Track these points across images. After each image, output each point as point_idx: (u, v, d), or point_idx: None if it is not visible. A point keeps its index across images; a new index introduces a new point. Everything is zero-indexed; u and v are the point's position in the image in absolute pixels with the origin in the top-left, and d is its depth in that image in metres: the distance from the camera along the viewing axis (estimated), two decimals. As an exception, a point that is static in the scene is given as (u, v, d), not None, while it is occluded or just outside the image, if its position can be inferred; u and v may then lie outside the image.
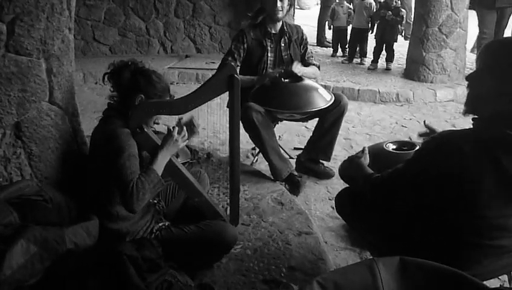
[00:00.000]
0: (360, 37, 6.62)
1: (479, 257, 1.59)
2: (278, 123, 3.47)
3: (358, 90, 5.49)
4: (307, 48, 3.42)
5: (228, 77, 2.05)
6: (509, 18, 6.00)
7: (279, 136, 4.21)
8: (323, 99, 3.07)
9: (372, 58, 6.44)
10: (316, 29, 8.07)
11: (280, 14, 3.19)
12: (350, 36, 6.78)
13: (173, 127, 2.03)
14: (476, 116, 1.57)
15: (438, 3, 5.49)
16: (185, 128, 2.05)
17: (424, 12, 5.62)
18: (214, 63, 6.14)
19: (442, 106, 5.18)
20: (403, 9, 6.21)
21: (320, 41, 7.97)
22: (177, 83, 6.03)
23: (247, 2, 6.48)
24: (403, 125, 4.58)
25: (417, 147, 2.18)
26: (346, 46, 6.99)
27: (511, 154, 1.45)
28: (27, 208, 1.68)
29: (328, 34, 7.82)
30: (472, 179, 1.47)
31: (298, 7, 14.90)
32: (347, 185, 2.11)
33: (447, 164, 1.50)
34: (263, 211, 2.68)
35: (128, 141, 1.89)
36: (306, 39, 3.43)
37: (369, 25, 6.59)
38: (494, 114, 1.50)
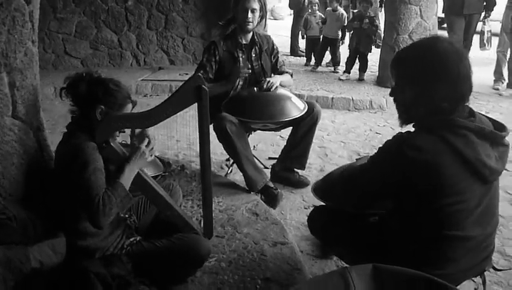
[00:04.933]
0: (330, 45, 6.70)
1: (452, 252, 1.60)
2: (251, 133, 3.45)
3: (332, 98, 5.52)
4: (278, 57, 3.42)
5: (195, 88, 2.02)
6: (476, 24, 6.14)
7: (254, 146, 4.20)
8: (296, 108, 3.07)
9: (344, 68, 6.50)
10: (290, 38, 8.12)
11: (250, 26, 3.18)
12: (320, 44, 6.85)
13: (141, 140, 1.99)
14: (413, 123, 1.66)
15: (407, 11, 5.60)
16: (152, 140, 2.01)
17: (394, 20, 5.72)
18: (187, 74, 6.11)
19: (415, 112, 5.25)
20: (377, 19, 6.30)
21: (294, 50, 8.02)
22: (150, 95, 5.97)
23: (219, 14, 6.47)
24: (377, 132, 4.62)
25: None
26: (320, 55, 7.08)
27: (457, 135, 1.52)
28: (-11, 228, 1.62)
29: (302, 44, 7.87)
30: (433, 170, 1.50)
31: (272, 17, 15.02)
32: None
33: (405, 163, 1.53)
34: (238, 222, 2.64)
35: (93, 155, 1.84)
36: (277, 49, 3.43)
37: (340, 34, 6.67)
38: (427, 114, 1.58)
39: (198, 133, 2.17)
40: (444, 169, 1.50)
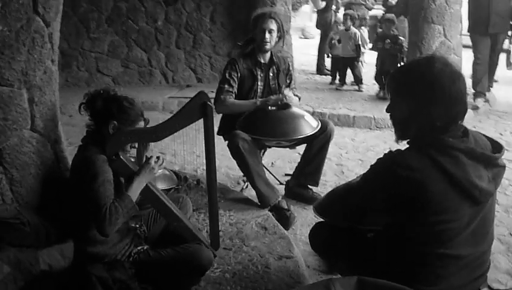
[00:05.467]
0: (349, 64, 6.76)
1: (443, 269, 1.62)
2: (266, 150, 3.53)
3: (354, 116, 5.55)
4: (291, 79, 3.52)
5: (201, 105, 2.13)
6: (502, 43, 6.07)
7: (272, 163, 4.28)
8: (309, 126, 3.14)
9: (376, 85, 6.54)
10: (316, 57, 8.21)
11: (268, 46, 3.29)
12: (340, 64, 6.92)
13: (151, 156, 2.11)
14: (408, 139, 1.69)
15: (430, 31, 5.61)
16: (161, 157, 2.12)
17: (417, 39, 5.73)
18: (213, 92, 6.25)
19: (438, 131, 5.21)
20: (401, 37, 6.31)
21: (320, 69, 8.09)
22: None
23: (245, 33, 6.63)
24: (396, 151, 4.60)
25: None
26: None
27: (445, 155, 1.55)
28: (3, 231, 1.75)
29: (328, 63, 7.94)
30: (422, 187, 1.53)
31: (303, 36, 15.18)
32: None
33: (396, 182, 1.56)
34: (246, 235, 2.71)
35: (103, 167, 1.97)
36: (291, 70, 3.53)
37: (357, 53, 6.74)
38: (420, 132, 1.62)
39: (204, 149, 2.26)
40: (431, 187, 1.52)
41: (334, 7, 7.63)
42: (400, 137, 1.73)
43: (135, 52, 7.12)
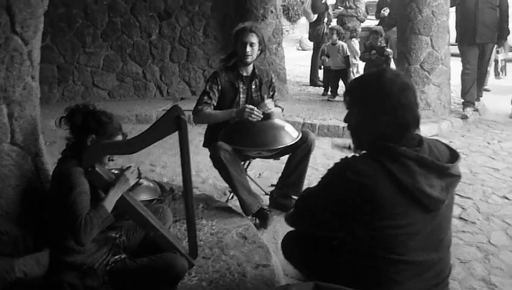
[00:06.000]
0: (341, 76, 6.86)
1: (396, 275, 1.67)
2: (250, 161, 3.60)
3: (343, 127, 5.61)
4: (274, 91, 3.59)
5: (175, 118, 2.20)
6: (491, 53, 6.14)
7: (259, 174, 4.35)
8: (289, 136, 3.21)
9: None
10: (310, 69, 8.30)
11: (249, 59, 3.37)
12: (332, 75, 7.02)
13: (127, 167, 2.19)
14: (364, 148, 1.76)
15: (418, 42, 5.69)
16: (137, 168, 2.19)
17: (405, 50, 5.81)
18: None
19: (426, 140, 5.27)
20: (388, 49, 6.40)
21: (313, 81, 8.18)
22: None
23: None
24: (383, 161, 4.66)
25: None
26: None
27: (396, 163, 1.60)
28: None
29: (321, 74, 8.03)
30: (370, 192, 1.59)
31: (300, 48, 15.32)
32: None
33: (346, 186, 1.63)
34: (226, 244, 2.77)
35: (79, 179, 2.04)
36: (274, 82, 3.60)
37: (346, 64, 6.83)
38: (373, 140, 1.69)
39: (180, 161, 2.33)
40: (380, 192, 1.59)
41: (326, 19, 7.74)
42: (356, 146, 1.80)
43: (130, 66, 7.24)
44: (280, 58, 6.97)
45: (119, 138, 2.24)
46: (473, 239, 3.10)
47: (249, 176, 3.74)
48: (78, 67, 7.07)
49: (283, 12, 18.24)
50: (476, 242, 3.06)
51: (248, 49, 3.32)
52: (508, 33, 5.93)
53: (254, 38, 3.33)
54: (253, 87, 3.48)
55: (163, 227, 2.41)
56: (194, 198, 3.45)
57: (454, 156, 1.76)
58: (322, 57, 7.01)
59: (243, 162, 3.58)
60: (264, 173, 4.38)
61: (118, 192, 2.12)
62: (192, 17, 7.20)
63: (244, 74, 3.45)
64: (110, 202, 2.08)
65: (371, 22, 9.24)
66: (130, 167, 2.19)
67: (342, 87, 7.07)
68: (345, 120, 1.82)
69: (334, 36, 6.72)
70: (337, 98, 7.05)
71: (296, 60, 11.61)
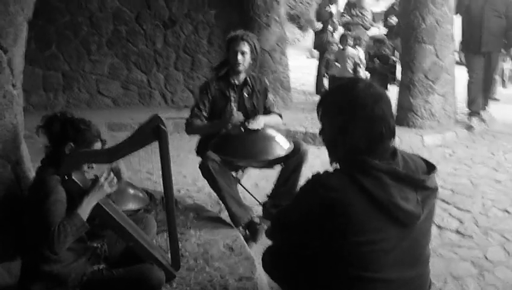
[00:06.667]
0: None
1: None
2: (242, 171, 3.55)
3: (345, 137, 5.53)
4: (268, 98, 3.54)
5: (154, 128, 2.17)
6: (497, 62, 6.03)
7: (257, 184, 4.29)
8: (280, 147, 3.15)
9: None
10: (315, 78, 8.25)
11: (241, 67, 3.33)
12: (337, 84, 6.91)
13: (101, 175, 2.16)
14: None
15: (422, 51, 5.61)
16: (112, 174, 2.16)
17: (409, 59, 5.73)
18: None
19: (429, 151, 5.18)
20: (393, 57, 6.31)
21: (318, 89, 8.12)
22: (171, 133, 6.21)
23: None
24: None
25: None
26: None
27: (368, 176, 1.54)
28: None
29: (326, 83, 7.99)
30: (342, 207, 1.53)
31: (310, 56, 15.25)
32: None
33: (317, 201, 1.57)
34: (211, 256, 2.72)
35: (56, 187, 2.02)
36: (267, 89, 3.55)
37: (354, 73, 6.72)
38: (346, 153, 1.63)
39: (161, 171, 2.29)
40: (352, 207, 1.52)
41: (331, 28, 7.69)
42: (332, 159, 1.74)
43: (135, 74, 7.27)
44: (284, 66, 6.93)
45: (98, 144, 2.22)
46: (468, 254, 3.00)
47: (243, 186, 3.70)
48: (83, 75, 7.12)
49: (294, 21, 18.29)
50: (471, 257, 2.96)
51: (239, 57, 3.29)
52: (515, 41, 5.82)
53: (246, 47, 3.30)
54: (246, 95, 3.44)
55: (144, 237, 2.37)
56: (186, 207, 3.47)
57: (430, 168, 1.70)
58: (331, 61, 6.90)
59: (236, 172, 3.54)
60: (261, 183, 4.32)
61: (92, 200, 2.09)
62: (197, 25, 7.21)
63: (236, 83, 3.41)
64: (84, 210, 2.05)
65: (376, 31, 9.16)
66: (105, 174, 2.16)
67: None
68: (320, 133, 1.77)
69: (349, 41, 6.58)
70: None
71: (304, 68, 11.55)
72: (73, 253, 2.12)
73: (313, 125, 5.98)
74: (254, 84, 3.46)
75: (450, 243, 3.15)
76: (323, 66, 7.23)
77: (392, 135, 1.64)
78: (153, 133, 2.18)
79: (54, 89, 7.07)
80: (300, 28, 18.33)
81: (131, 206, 2.94)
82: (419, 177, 1.61)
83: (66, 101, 7.13)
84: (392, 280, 1.61)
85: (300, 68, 11.06)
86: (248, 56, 3.34)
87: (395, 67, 6.17)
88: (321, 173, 1.65)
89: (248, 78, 3.45)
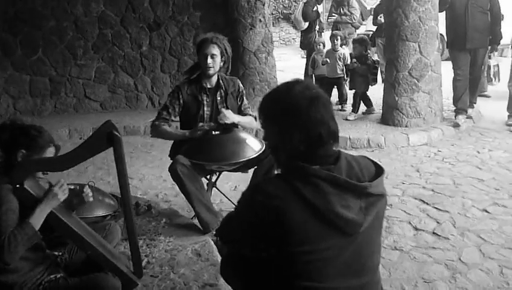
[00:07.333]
0: (336, 85, 6.70)
1: None
2: (214, 175, 3.52)
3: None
4: (243, 99, 3.50)
5: (107, 134, 2.13)
6: (483, 59, 5.97)
7: (235, 187, 4.26)
8: (251, 149, 3.12)
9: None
10: (303, 78, 8.20)
11: (211, 71, 3.28)
12: (325, 84, 6.85)
13: (56, 183, 2.12)
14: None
15: (405, 48, 5.55)
16: (62, 180, 2.12)
17: (393, 57, 5.68)
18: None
19: (414, 150, 5.12)
20: (373, 58, 6.24)
21: (307, 89, 8.07)
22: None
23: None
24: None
25: None
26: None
27: (306, 183, 1.48)
28: None
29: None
30: (280, 215, 1.48)
31: (304, 56, 15.19)
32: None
33: (255, 209, 1.52)
34: (178, 262, 2.69)
35: (7, 196, 1.99)
36: (242, 91, 3.51)
37: (344, 73, 6.66)
38: (287, 158, 1.58)
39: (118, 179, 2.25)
40: (290, 215, 1.47)
41: (317, 27, 7.64)
42: (277, 165, 1.70)
43: (121, 78, 7.25)
44: (270, 67, 6.90)
45: (51, 150, 2.20)
46: (443, 256, 2.95)
47: (219, 190, 3.66)
48: (70, 80, 7.10)
49: (289, 20, 18.24)
50: (445, 260, 2.91)
51: (209, 60, 3.25)
52: (501, 37, 5.76)
53: (215, 50, 3.25)
54: (218, 98, 3.40)
55: (104, 245, 2.33)
56: (160, 212, 3.44)
57: (378, 172, 1.64)
58: (323, 60, 6.82)
59: (210, 176, 3.51)
60: (240, 186, 4.28)
61: (45, 208, 2.06)
62: (182, 27, 7.18)
63: (208, 86, 3.37)
64: (37, 219, 2.01)
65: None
66: (59, 181, 2.13)
67: (335, 96, 6.93)
68: (263, 138, 1.72)
69: (337, 41, 6.52)
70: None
71: (297, 68, 11.50)
72: (30, 262, 2.09)
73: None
74: (227, 87, 3.42)
75: (425, 245, 3.10)
76: (310, 66, 7.17)
77: (334, 138, 1.59)
78: (106, 139, 2.14)
79: (41, 94, 7.05)
80: (295, 27, 18.31)
81: (99, 212, 2.92)
82: (360, 183, 1.55)
83: (53, 106, 7.12)
84: (335, 289, 1.56)
85: (293, 68, 11.01)
86: (218, 59, 3.30)
87: (376, 68, 6.10)
88: (260, 180, 1.61)
89: (221, 81, 3.41)
